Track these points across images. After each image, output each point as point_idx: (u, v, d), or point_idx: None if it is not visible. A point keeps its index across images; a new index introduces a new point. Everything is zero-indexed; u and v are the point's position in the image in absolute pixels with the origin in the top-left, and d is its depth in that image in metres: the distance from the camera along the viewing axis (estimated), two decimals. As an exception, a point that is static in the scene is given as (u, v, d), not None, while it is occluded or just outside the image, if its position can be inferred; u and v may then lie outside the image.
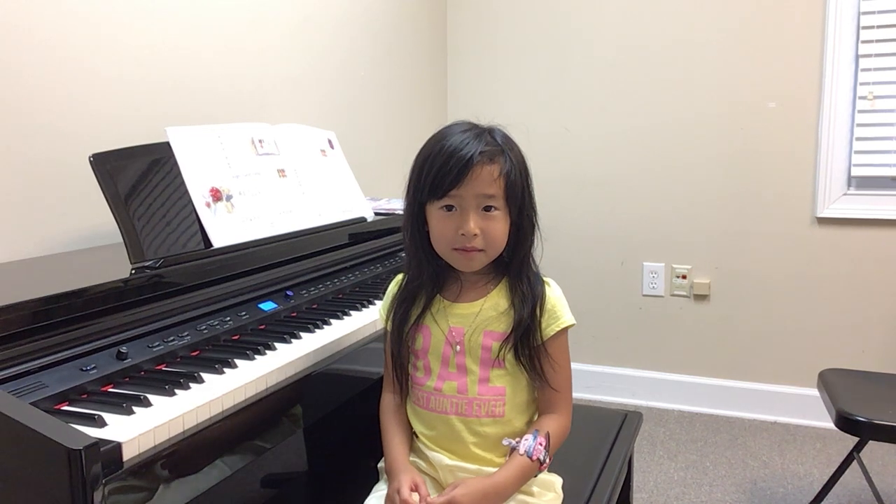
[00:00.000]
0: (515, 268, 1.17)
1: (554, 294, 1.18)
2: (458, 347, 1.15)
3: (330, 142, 1.79)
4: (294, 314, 1.38)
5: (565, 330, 1.18)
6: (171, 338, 1.13)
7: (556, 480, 1.24)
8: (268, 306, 1.34)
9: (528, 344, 1.14)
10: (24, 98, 1.41)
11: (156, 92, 1.70)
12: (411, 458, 1.19)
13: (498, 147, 1.12)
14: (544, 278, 1.19)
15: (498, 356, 1.14)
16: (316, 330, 1.29)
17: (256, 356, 1.13)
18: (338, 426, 1.56)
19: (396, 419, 1.21)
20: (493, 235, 1.12)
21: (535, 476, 1.15)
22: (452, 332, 1.16)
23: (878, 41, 2.57)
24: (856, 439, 1.93)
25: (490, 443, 1.16)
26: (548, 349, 1.15)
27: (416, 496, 1.07)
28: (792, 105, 2.72)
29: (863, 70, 2.60)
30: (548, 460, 1.13)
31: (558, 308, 1.17)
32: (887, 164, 2.62)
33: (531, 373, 1.16)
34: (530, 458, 1.10)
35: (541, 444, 1.11)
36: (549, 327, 1.16)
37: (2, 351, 0.92)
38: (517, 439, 1.13)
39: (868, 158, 2.64)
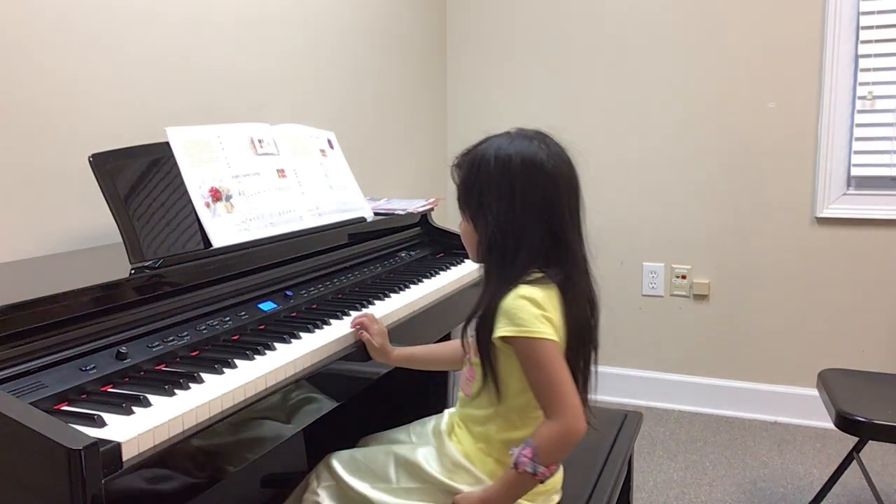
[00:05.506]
0: (499, 269, 1.17)
1: (509, 303, 1.12)
2: None
3: (329, 142, 1.79)
4: (294, 314, 1.38)
5: (529, 340, 1.10)
6: (171, 338, 1.13)
7: (557, 479, 1.24)
8: (267, 306, 1.34)
9: (484, 337, 1.14)
10: (25, 98, 1.41)
11: (156, 92, 1.70)
12: None
13: (464, 157, 1.21)
14: (520, 286, 1.13)
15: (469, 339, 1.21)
16: (316, 330, 1.29)
17: (256, 356, 1.13)
18: (338, 426, 1.56)
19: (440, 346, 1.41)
20: (462, 238, 1.25)
21: (542, 483, 1.11)
22: None
23: (877, 41, 2.57)
24: (855, 439, 1.93)
25: (462, 416, 1.25)
26: (517, 354, 1.12)
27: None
28: (792, 105, 2.72)
29: (862, 70, 2.60)
30: (540, 470, 1.08)
31: (509, 315, 1.11)
32: (887, 164, 2.62)
33: (485, 365, 1.15)
34: (515, 468, 1.08)
35: (525, 456, 1.07)
36: (498, 329, 1.12)
37: (2, 351, 0.92)
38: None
39: (867, 158, 2.64)
